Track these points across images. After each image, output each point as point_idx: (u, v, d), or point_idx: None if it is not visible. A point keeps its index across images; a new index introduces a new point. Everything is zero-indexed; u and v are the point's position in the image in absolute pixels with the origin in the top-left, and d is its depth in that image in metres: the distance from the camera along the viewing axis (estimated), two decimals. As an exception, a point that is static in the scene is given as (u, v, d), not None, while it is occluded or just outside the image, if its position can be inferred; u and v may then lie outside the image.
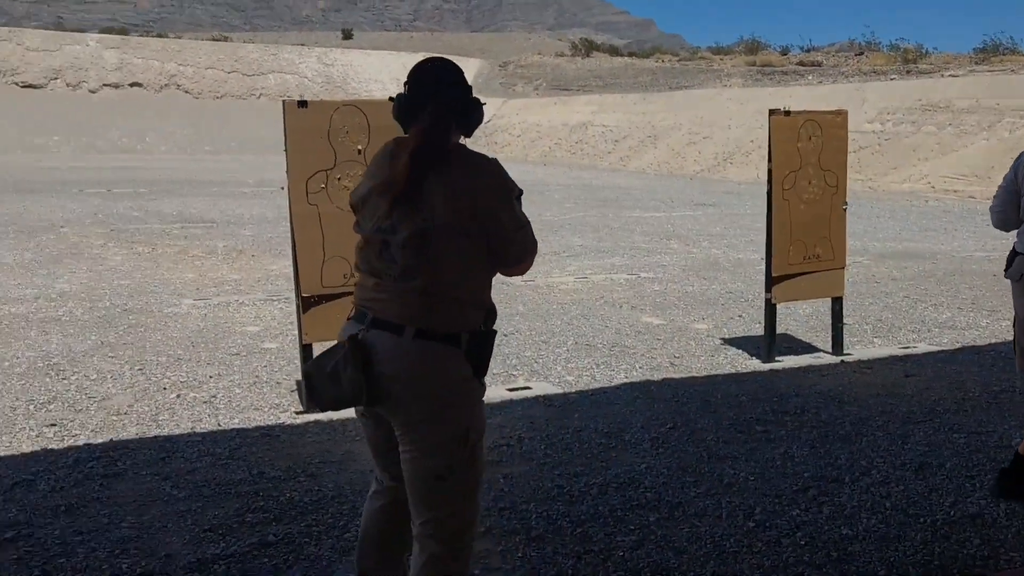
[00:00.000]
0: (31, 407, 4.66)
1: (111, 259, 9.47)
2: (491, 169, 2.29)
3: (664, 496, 3.62)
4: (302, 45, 50.56)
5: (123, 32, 54.65)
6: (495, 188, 2.27)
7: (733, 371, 5.57)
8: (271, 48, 43.40)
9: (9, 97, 33.27)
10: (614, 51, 54.03)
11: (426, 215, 2.22)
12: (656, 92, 36.27)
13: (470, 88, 2.40)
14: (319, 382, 2.30)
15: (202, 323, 6.62)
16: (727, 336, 6.48)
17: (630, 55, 50.94)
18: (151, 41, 41.04)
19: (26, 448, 4.08)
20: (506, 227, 2.29)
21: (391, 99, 2.39)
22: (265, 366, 5.50)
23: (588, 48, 52.33)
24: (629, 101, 35.33)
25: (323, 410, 2.37)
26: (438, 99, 2.31)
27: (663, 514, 3.45)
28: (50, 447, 4.10)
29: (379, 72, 42.72)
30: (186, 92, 37.50)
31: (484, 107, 2.42)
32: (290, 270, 8.71)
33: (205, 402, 4.78)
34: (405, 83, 2.35)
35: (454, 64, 2.41)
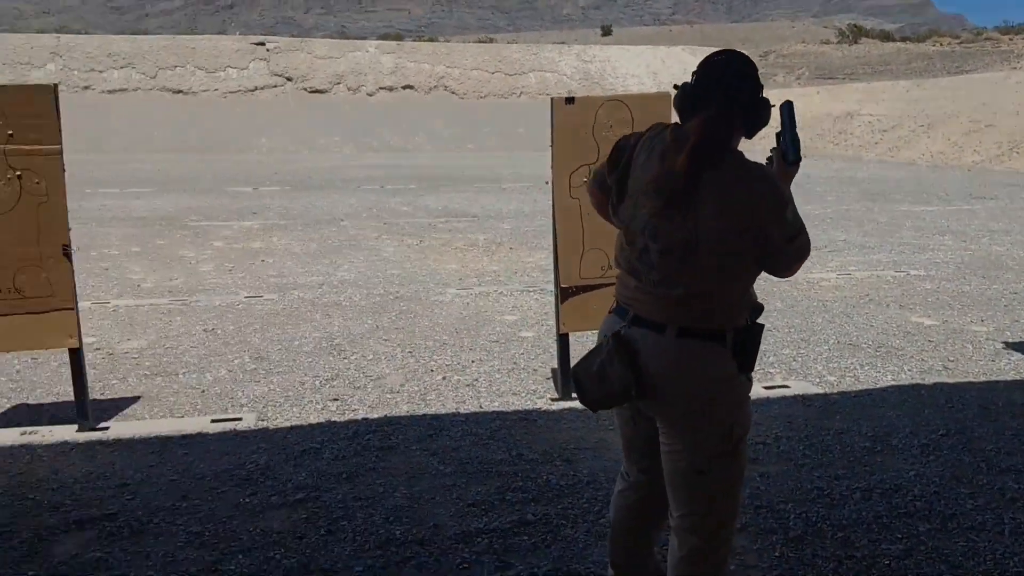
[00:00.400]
0: (316, 382, 5.12)
1: (384, 250, 10.16)
2: (766, 180, 2.21)
3: (935, 506, 3.40)
4: (562, 43, 51.60)
5: (398, 38, 58.23)
6: (768, 202, 2.18)
7: (1019, 377, 5.10)
8: (532, 48, 44.63)
9: (299, 102, 36.47)
10: (885, 36, 50.86)
11: (691, 226, 2.17)
12: (931, 78, 33.71)
13: (761, 86, 2.30)
14: (587, 382, 2.35)
15: (464, 311, 6.96)
16: (1011, 340, 5.95)
17: (903, 40, 47.73)
18: (423, 45, 43.50)
19: (312, 419, 4.50)
20: (777, 242, 2.21)
21: (676, 87, 2.33)
22: (522, 353, 5.70)
23: (856, 34, 49.60)
24: (900, 88, 33.10)
25: (593, 410, 2.41)
26: (726, 92, 2.23)
27: (934, 525, 3.25)
28: (333, 419, 4.49)
29: (636, 67, 42.76)
30: (453, 93, 39.40)
31: (772, 108, 2.32)
32: (546, 262, 8.97)
33: (468, 385, 5.04)
34: (693, 73, 2.30)
35: (747, 58, 2.33)
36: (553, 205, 4.69)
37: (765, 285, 7.42)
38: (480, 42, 51.82)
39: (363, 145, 33.97)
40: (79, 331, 4.24)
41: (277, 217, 13.30)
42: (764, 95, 2.30)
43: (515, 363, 5.48)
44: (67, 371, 4.58)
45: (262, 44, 37.49)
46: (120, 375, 5.29)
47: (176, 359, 5.63)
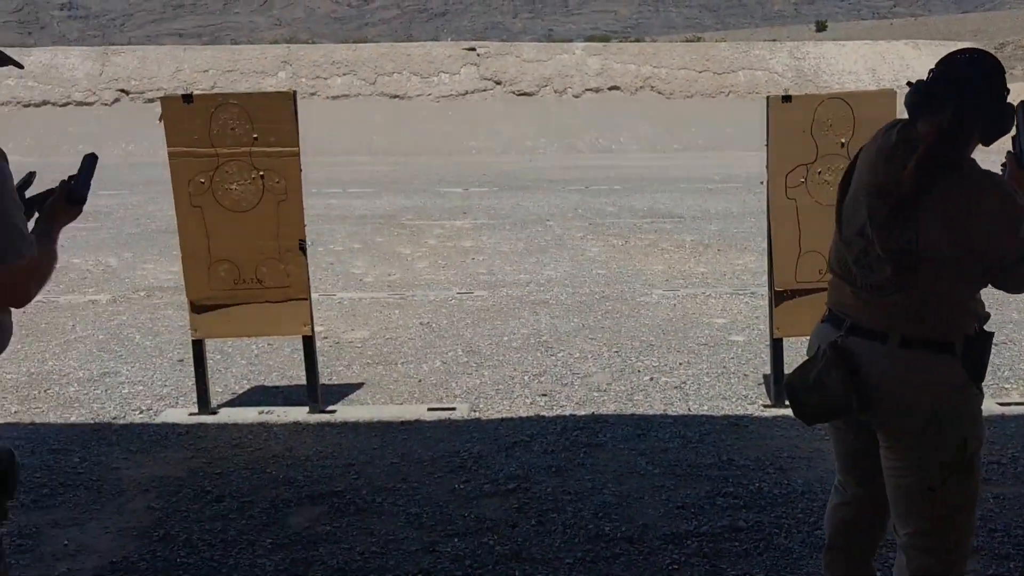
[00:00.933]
0: (526, 377, 5.24)
1: (589, 250, 10.23)
2: (998, 193, 2.05)
3: None
4: (773, 40, 50.06)
5: (605, 39, 58.46)
6: (998, 217, 2.03)
7: None
8: (742, 46, 43.51)
9: (507, 105, 37.35)
10: None
11: (911, 235, 2.06)
12: None
13: (1007, 89, 2.13)
14: (803, 394, 2.27)
15: (671, 312, 6.91)
16: None
17: None
18: (629, 46, 43.44)
19: (522, 413, 4.61)
20: (1005, 259, 2.07)
21: (909, 84, 2.20)
22: (732, 358, 5.59)
23: (1109, 21, 44.97)
24: None
25: (809, 423, 2.33)
26: (965, 96, 2.07)
27: None
28: (542, 414, 4.58)
29: (854, 63, 40.77)
30: (659, 93, 39.08)
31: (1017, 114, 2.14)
32: (755, 265, 8.75)
33: (676, 387, 5.00)
34: (930, 70, 2.17)
35: (993, 58, 2.17)
36: (768, 206, 4.57)
37: (1000, 294, 6.90)
38: (687, 41, 51.14)
39: (568, 146, 34.35)
40: (312, 320, 4.56)
41: (486, 217, 13.69)
42: (1009, 99, 2.14)
43: (725, 367, 5.39)
44: (299, 357, 4.93)
45: (472, 49, 38.67)
46: (345, 362, 5.63)
47: (395, 350, 5.92)
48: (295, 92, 4.32)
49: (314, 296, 7.53)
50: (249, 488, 3.74)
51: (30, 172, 2.38)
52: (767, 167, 4.51)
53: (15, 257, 2.01)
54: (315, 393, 4.65)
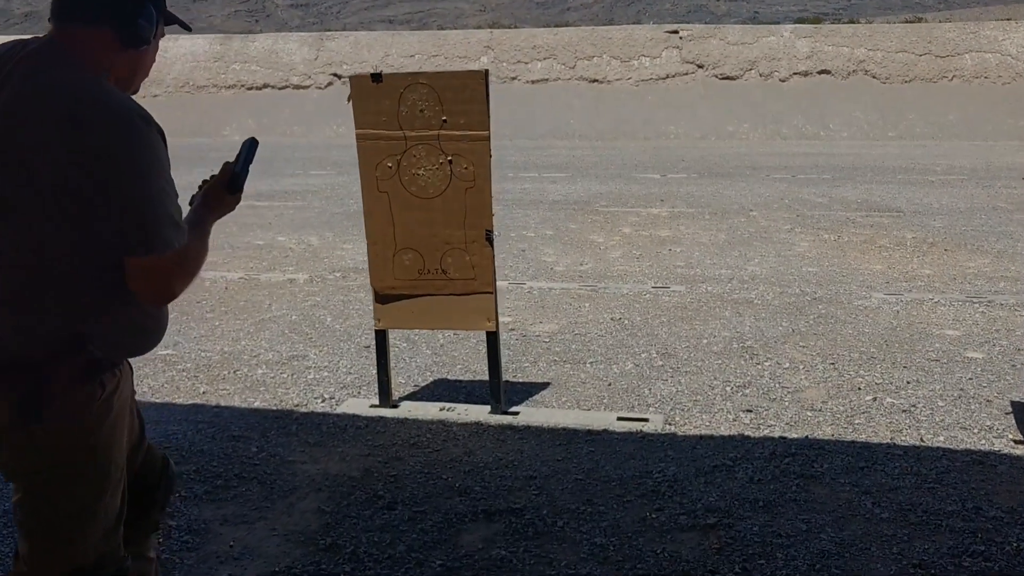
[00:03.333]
0: (727, 388, 4.74)
1: (798, 245, 9.48)
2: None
3: None
4: (1007, 20, 45.83)
5: (816, 21, 55.62)
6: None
7: None
8: (970, 26, 40.10)
9: (709, 89, 36.16)
10: None
11: None
12: None
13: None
14: None
15: (894, 320, 6.16)
16: None
17: None
18: (842, 28, 40.97)
19: (724, 431, 4.13)
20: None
21: None
22: (970, 379, 4.85)
23: None
24: None
25: None
26: None
27: None
28: (746, 433, 4.08)
29: (1102, 44, 36.67)
30: (873, 77, 36.69)
31: None
32: (991, 269, 7.75)
33: (904, 411, 4.36)
34: None
35: None
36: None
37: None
38: (907, 22, 47.68)
39: (773, 132, 32.84)
40: (497, 315, 4.26)
41: (684, 205, 13.08)
42: None
43: (962, 390, 4.67)
44: (483, 349, 4.65)
45: (675, 32, 37.67)
46: (532, 358, 5.32)
47: (584, 347, 5.55)
48: (487, 72, 3.99)
49: (503, 284, 7.34)
50: (423, 496, 3.48)
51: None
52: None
53: (163, 247, 1.77)
54: (498, 393, 4.35)
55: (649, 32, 39.01)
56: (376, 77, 4.04)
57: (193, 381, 4.96)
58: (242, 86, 38.86)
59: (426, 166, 4.09)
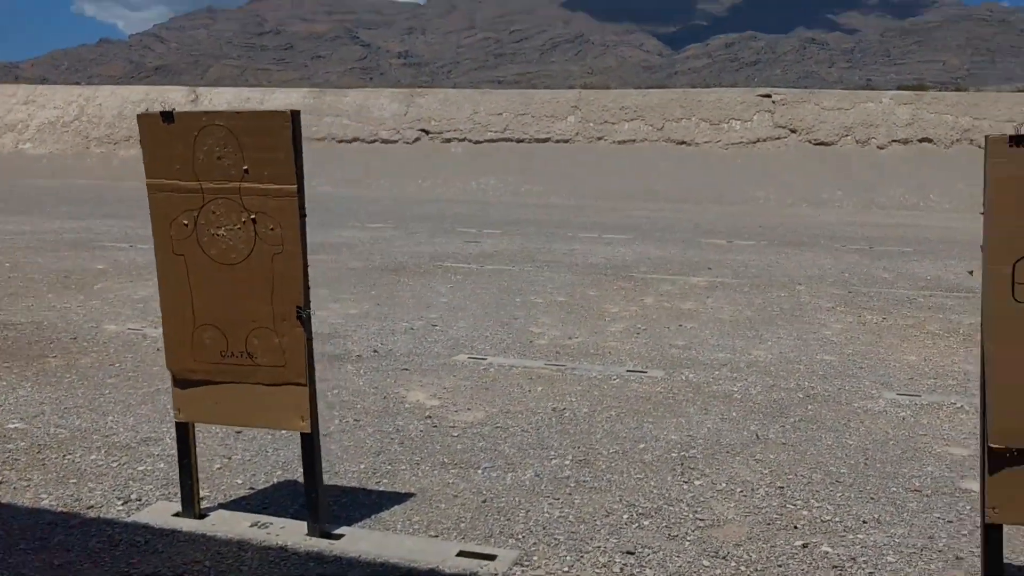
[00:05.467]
0: (624, 516, 3.74)
1: (829, 326, 8.33)
2: None
3: None
4: None
5: (922, 88, 53.42)
6: None
7: None
8: (1092, 94, 37.68)
9: (801, 154, 34.73)
10: None
11: None
12: None
13: None
14: None
15: (892, 430, 5.04)
16: None
17: None
18: (947, 95, 38.94)
19: (580, 580, 3.16)
20: None
21: None
22: (949, 521, 3.73)
23: None
24: None
25: None
26: None
27: None
28: (606, 587, 3.10)
29: None
30: (979, 147, 34.56)
31: None
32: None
33: (834, 567, 3.29)
34: None
35: None
36: (983, 317, 2.81)
37: None
38: (1020, 91, 45.14)
39: (868, 201, 31.17)
40: (313, 412, 3.42)
41: (731, 274, 11.99)
42: None
43: (930, 538, 3.56)
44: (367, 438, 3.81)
45: (768, 96, 36.47)
46: (419, 457, 4.43)
47: (493, 445, 4.62)
48: (297, 112, 3.21)
49: (461, 359, 6.49)
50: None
51: None
52: (983, 247, 2.77)
53: None
54: (315, 510, 3.49)
55: (740, 95, 37.98)
56: (167, 116, 3.31)
57: (10, 465, 4.26)
58: (333, 138, 39.47)
59: (227, 225, 3.32)
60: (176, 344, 3.48)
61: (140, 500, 3.82)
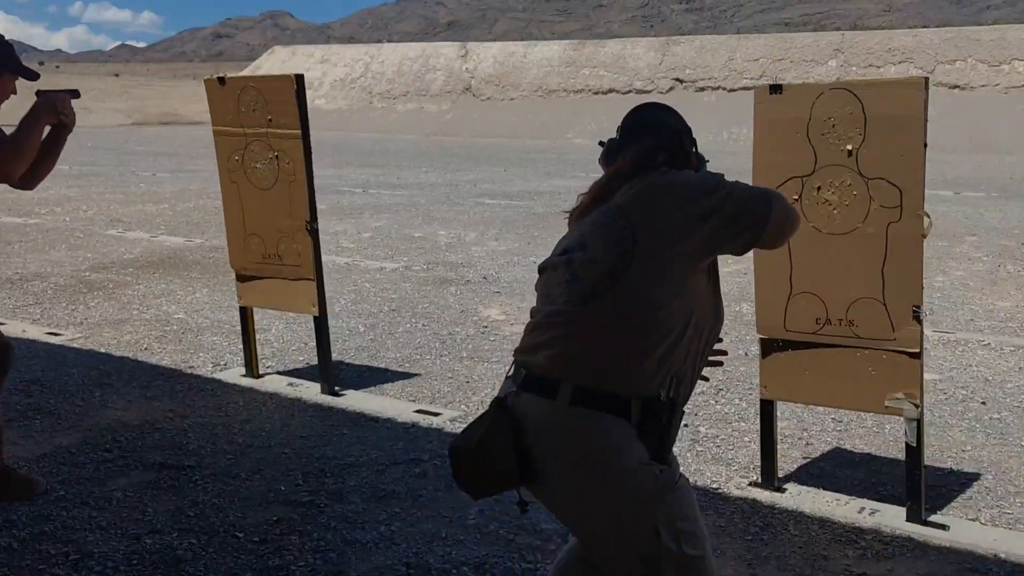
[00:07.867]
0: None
1: (952, 272, 8.33)
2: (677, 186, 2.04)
3: None
4: None
5: None
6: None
7: None
8: None
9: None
10: None
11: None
12: None
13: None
14: (465, 460, 1.97)
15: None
16: None
17: None
18: None
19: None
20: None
21: (600, 144, 2.21)
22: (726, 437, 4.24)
23: None
24: None
25: (473, 496, 2.02)
26: (661, 132, 2.22)
27: None
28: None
29: None
30: None
31: None
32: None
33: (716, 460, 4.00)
34: (618, 128, 2.23)
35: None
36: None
37: None
38: None
39: None
40: (321, 301, 4.59)
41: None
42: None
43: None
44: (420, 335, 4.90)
45: (1062, 31, 32.95)
46: (460, 354, 5.51)
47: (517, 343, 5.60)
48: (301, 76, 4.35)
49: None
50: (143, 446, 3.98)
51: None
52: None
53: None
54: (327, 375, 4.69)
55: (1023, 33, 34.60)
56: (221, 80, 4.58)
57: (148, 338, 5.80)
58: (589, 90, 40.57)
59: (261, 160, 4.56)
60: (235, 248, 4.80)
61: (226, 366, 5.23)
